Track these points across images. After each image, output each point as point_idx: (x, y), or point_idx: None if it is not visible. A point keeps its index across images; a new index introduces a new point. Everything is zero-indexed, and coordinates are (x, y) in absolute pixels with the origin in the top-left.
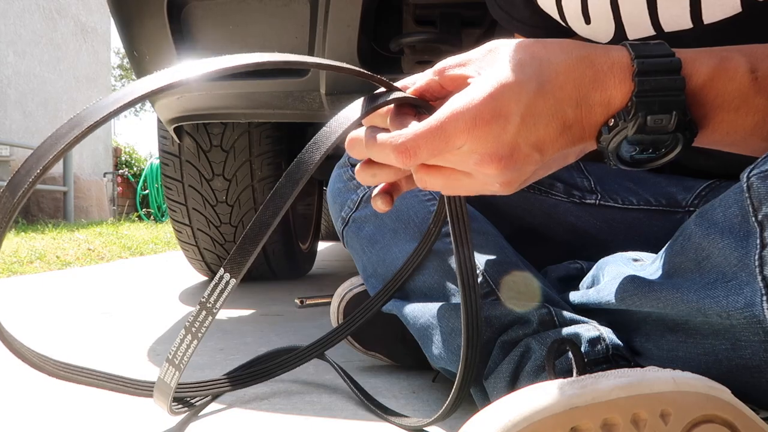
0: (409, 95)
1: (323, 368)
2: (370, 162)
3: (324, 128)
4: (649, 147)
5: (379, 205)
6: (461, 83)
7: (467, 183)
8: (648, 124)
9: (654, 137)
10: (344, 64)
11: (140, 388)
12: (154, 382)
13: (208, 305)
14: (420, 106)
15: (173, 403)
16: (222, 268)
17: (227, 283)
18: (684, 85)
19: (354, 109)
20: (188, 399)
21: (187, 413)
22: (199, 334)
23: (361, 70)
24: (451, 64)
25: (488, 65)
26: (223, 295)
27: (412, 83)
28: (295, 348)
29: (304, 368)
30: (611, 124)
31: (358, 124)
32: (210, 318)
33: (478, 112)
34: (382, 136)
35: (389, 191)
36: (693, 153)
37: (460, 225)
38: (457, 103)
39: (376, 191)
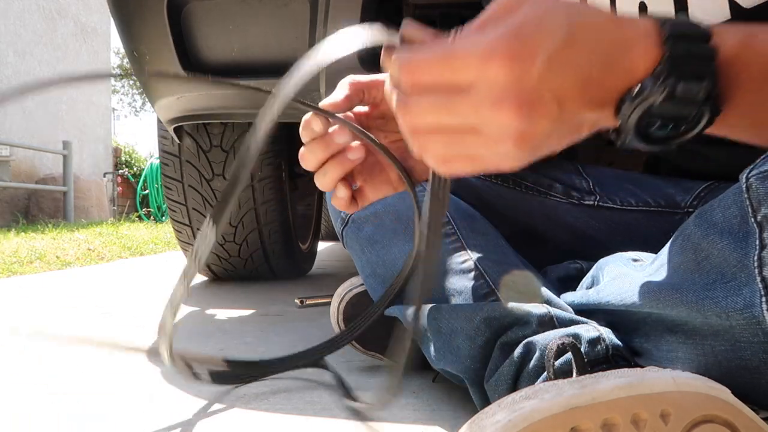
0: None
1: (323, 369)
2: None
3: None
4: (670, 122)
5: (343, 205)
6: None
7: (473, 143)
8: (677, 92)
9: (679, 109)
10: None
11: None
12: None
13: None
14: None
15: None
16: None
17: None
18: (715, 55)
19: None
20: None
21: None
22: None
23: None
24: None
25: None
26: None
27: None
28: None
29: (304, 368)
30: (635, 91)
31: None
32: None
33: (498, 46)
34: (397, 53)
35: (354, 197)
36: (692, 154)
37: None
38: (476, 35)
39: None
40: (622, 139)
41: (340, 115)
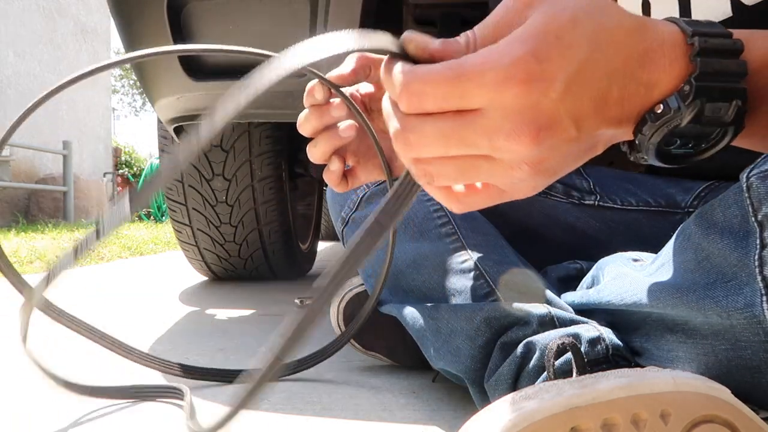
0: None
1: (323, 368)
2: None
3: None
4: (691, 141)
5: (334, 181)
6: None
7: (487, 169)
8: (705, 113)
9: (703, 129)
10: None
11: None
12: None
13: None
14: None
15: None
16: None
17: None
18: (747, 72)
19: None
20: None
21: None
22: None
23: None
24: (479, 32)
25: (527, 15)
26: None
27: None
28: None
29: None
30: (659, 110)
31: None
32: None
33: (515, 70)
34: (397, 67)
35: (346, 177)
36: None
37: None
38: (490, 53)
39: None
40: (638, 157)
41: (346, 91)
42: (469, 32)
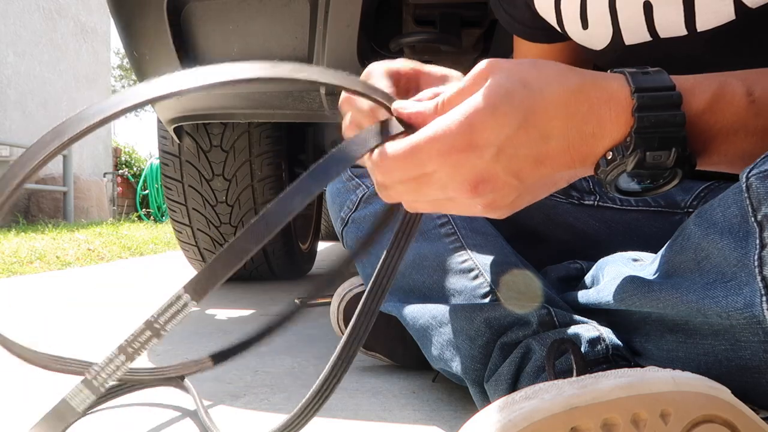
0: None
1: (323, 368)
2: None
3: (324, 161)
4: (647, 179)
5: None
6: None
7: (452, 206)
8: (647, 160)
9: (651, 172)
10: (346, 78)
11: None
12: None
13: (156, 326)
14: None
15: None
16: (183, 288)
17: (185, 305)
18: (684, 121)
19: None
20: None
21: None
22: (135, 356)
23: (362, 87)
24: (446, 97)
25: (478, 89)
26: (177, 318)
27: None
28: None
29: (304, 368)
30: (609, 157)
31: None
32: (154, 340)
33: (455, 141)
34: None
35: None
36: None
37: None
38: (436, 128)
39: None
40: (604, 188)
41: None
42: (439, 97)
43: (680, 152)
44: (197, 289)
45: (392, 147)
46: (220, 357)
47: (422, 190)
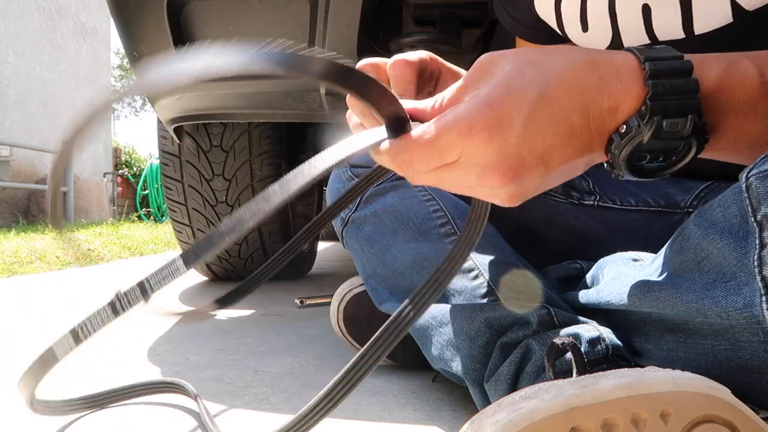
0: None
1: (322, 368)
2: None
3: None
4: (660, 155)
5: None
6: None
7: (475, 193)
8: (664, 129)
9: (667, 143)
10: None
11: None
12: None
13: (146, 285)
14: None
15: None
16: (180, 256)
17: (176, 269)
18: (698, 88)
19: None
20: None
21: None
22: (122, 312)
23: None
24: (448, 95)
25: (484, 79)
26: (167, 281)
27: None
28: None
29: (304, 368)
30: (623, 130)
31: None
32: (142, 300)
33: (474, 121)
34: (384, 144)
35: None
36: None
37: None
38: (451, 113)
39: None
40: (615, 173)
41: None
42: (438, 95)
43: (696, 120)
44: (190, 254)
45: (407, 139)
46: (225, 300)
47: (445, 178)
